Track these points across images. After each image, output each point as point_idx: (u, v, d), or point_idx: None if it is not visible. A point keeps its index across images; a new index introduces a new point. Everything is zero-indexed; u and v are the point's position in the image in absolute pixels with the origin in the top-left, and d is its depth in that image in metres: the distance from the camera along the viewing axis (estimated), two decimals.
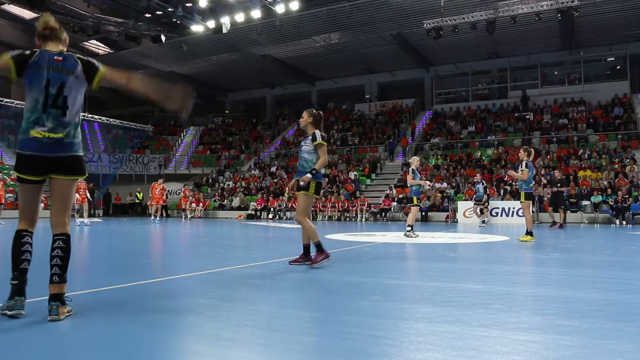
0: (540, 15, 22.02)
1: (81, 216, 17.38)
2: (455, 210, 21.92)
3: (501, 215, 21.03)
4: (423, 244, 10.04)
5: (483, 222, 18.91)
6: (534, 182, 10.57)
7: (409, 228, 11.25)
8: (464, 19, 22.55)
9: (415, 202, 11.72)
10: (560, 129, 27.15)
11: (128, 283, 4.85)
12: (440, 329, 3.06)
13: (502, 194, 22.51)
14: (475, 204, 19.76)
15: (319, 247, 6.01)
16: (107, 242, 10.97)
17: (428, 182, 11.55)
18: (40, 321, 3.17)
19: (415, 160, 12.20)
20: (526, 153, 10.22)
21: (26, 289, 3.32)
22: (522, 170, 10.00)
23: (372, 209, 24.16)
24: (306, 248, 6.09)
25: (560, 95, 29.60)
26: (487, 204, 19.64)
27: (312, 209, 24.40)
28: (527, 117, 28.99)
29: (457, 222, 21.13)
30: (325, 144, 6.15)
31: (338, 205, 24.70)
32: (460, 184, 24.19)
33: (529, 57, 29.91)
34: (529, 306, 3.82)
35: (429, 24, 22.97)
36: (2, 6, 27.14)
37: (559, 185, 17.18)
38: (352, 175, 27.43)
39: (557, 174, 16.23)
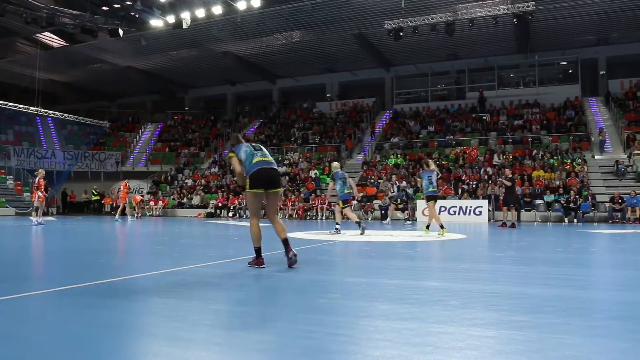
0: (497, 19, 22.57)
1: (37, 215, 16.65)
2: (414, 209, 22.25)
3: (459, 214, 21.45)
4: (382, 242, 10.15)
5: (406, 220, 19.48)
6: (432, 186, 11.97)
7: (337, 226, 12.16)
8: (424, 21, 22.86)
9: (341, 205, 12.32)
10: (515, 130, 27.90)
11: (84, 283, 4.72)
12: (399, 325, 3.10)
13: (459, 193, 22.97)
14: (392, 204, 20.38)
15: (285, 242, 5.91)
16: (63, 242, 10.66)
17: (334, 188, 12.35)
18: None
19: (334, 166, 12.63)
20: (425, 163, 12.44)
21: None
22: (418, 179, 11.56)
23: (332, 207, 24.25)
24: (257, 250, 5.87)
25: (515, 97, 30.41)
26: (406, 203, 19.94)
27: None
28: (484, 118, 29.67)
29: (415, 220, 21.44)
30: (232, 154, 5.97)
31: (298, 204, 24.71)
32: (419, 183, 24.56)
33: (487, 60, 30.65)
34: (484, 302, 3.91)
35: (390, 24, 23.19)
36: None
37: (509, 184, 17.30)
38: (312, 173, 27.48)
39: (508, 172, 16.71)
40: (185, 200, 29.01)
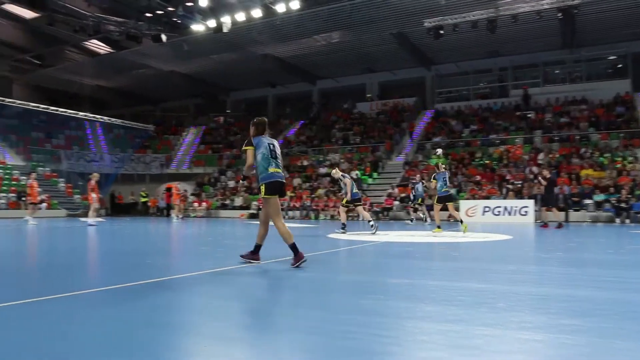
0: (541, 14, 21.97)
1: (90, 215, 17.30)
2: (457, 209, 21.89)
3: (503, 214, 21.02)
4: (425, 243, 10.04)
5: (411, 220, 19.75)
6: (446, 187, 12.90)
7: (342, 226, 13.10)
8: (465, 18, 22.51)
9: (344, 203, 13.52)
10: (562, 128, 27.11)
11: (131, 283, 4.87)
12: (444, 327, 3.07)
13: (504, 193, 22.49)
14: (412, 202, 20.46)
15: (257, 248, 6.26)
16: (113, 243, 10.97)
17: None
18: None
19: (335, 172, 13.63)
20: (437, 167, 13.44)
21: None
22: (431, 181, 13.36)
23: (374, 208, 24.16)
24: (292, 247, 6.00)
25: (561, 93, 29.54)
26: (422, 203, 20.13)
27: (315, 208, 24.57)
28: (528, 115, 28.94)
29: (460, 221, 21.09)
30: (249, 148, 6.11)
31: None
32: (462, 183, 24.17)
33: (530, 56, 29.87)
34: (532, 305, 3.83)
35: (430, 22, 22.95)
36: (3, 6, 27.10)
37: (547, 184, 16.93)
38: (353, 174, 27.42)
39: (545, 172, 16.34)
40: (228, 201, 29.44)
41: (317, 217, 24.97)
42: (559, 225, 15.10)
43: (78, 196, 29.08)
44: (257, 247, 6.20)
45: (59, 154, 33.07)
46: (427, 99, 34.27)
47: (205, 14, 23.25)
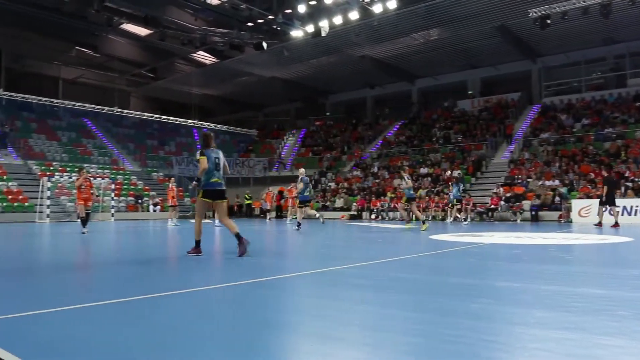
0: None
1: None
2: (568, 209, 20.63)
3: (622, 214, 19.43)
4: (535, 245, 9.53)
5: (465, 219, 20.48)
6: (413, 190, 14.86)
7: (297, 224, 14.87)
8: (574, 5, 21.12)
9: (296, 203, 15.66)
10: None
11: (238, 281, 5.06)
12: (558, 335, 2.88)
13: (623, 191, 20.80)
14: (452, 204, 20.56)
15: (197, 244, 7.32)
16: (220, 243, 11.47)
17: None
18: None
19: (301, 172, 15.52)
20: (403, 171, 15.26)
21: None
22: (407, 182, 14.74)
23: (477, 208, 23.36)
24: (197, 242, 7.26)
25: None
26: (460, 204, 20.42)
27: (417, 208, 24.11)
28: None
29: (571, 221, 19.88)
30: (202, 157, 7.10)
31: (442, 205, 24.14)
32: (575, 181, 22.68)
33: None
34: None
35: (535, 12, 21.79)
36: (121, 26, 29.44)
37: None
38: (455, 174, 26.69)
39: (605, 174, 15.42)
40: (328, 202, 29.81)
41: (418, 218, 24.54)
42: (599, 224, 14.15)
43: (188, 199, 30.80)
44: (237, 236, 7.18)
45: (170, 160, 35.27)
46: (534, 94, 32.55)
47: (304, 19, 23.74)
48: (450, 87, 35.52)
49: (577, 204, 20.42)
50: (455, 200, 20.15)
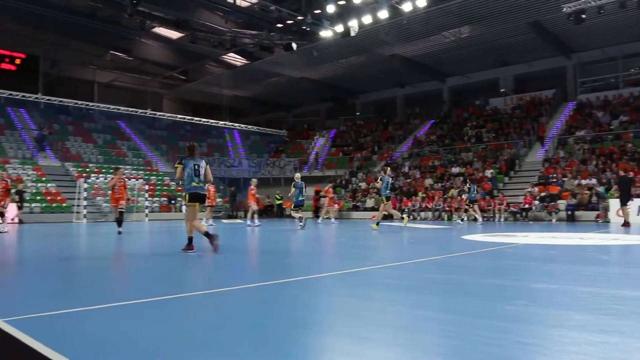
0: None
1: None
2: (606, 209, 20.11)
3: None
4: (571, 246, 9.33)
5: (467, 218, 20.65)
6: (388, 190, 15.67)
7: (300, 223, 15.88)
8: None
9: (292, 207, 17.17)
10: None
11: (271, 281, 5.09)
12: (597, 339, 2.81)
13: None
14: (468, 204, 20.53)
15: (191, 240, 8.05)
16: (252, 242, 11.57)
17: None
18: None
19: (296, 176, 17.29)
20: (383, 171, 16.11)
21: None
22: (379, 182, 15.84)
23: (511, 208, 22.97)
24: (189, 239, 8.03)
25: None
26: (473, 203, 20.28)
27: (448, 209, 23.98)
28: None
29: (609, 221, 19.37)
30: (178, 166, 8.13)
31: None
32: (612, 180, 22.08)
33: None
34: None
35: (569, 7, 21.29)
36: (153, 29, 29.99)
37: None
38: (488, 173, 26.29)
39: (621, 173, 15.19)
40: (359, 203, 29.73)
41: (450, 219, 24.30)
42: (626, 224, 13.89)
43: (219, 199, 31.13)
44: (190, 240, 8.02)
45: None
46: (569, 90, 31.80)
47: (333, 19, 23.75)
48: (482, 85, 35.01)
49: (615, 204, 19.85)
50: (469, 201, 20.25)
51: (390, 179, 15.97)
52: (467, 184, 20.84)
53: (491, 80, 34.42)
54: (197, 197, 8.05)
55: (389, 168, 17.36)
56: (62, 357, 2.50)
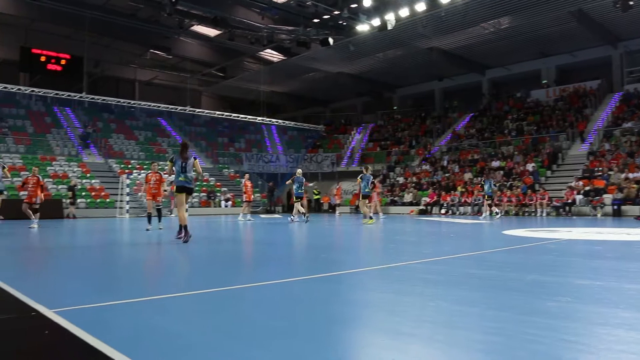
0: None
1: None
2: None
3: None
4: (617, 242, 9.04)
5: (491, 214, 20.35)
6: (368, 188, 16.25)
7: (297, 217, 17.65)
8: None
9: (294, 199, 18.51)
10: None
11: (308, 275, 5.12)
12: None
13: None
14: (485, 199, 20.77)
15: (182, 228, 9.04)
16: (290, 237, 11.64)
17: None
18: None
19: (298, 172, 18.64)
20: (364, 169, 16.70)
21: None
22: (358, 180, 16.41)
23: (553, 202, 22.40)
24: (184, 227, 9.02)
25: None
26: (492, 199, 20.55)
27: (489, 203, 23.66)
28: None
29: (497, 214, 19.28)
30: (169, 163, 9.61)
31: (514, 200, 23.34)
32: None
33: None
34: None
35: None
36: (191, 28, 30.46)
37: None
38: (529, 167, 25.70)
39: None
40: (397, 197, 29.53)
41: (491, 213, 23.85)
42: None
43: (257, 194, 31.41)
44: (180, 227, 9.08)
45: (240, 157, 36.13)
46: (615, 81, 30.72)
47: (370, 13, 23.60)
48: (523, 77, 34.19)
49: None
50: (486, 195, 20.46)
51: (372, 176, 16.63)
52: (483, 180, 20.98)
53: (532, 72, 33.58)
54: (183, 189, 9.39)
55: (369, 167, 18.24)
56: (104, 345, 2.58)
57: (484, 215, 20.96)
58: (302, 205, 18.19)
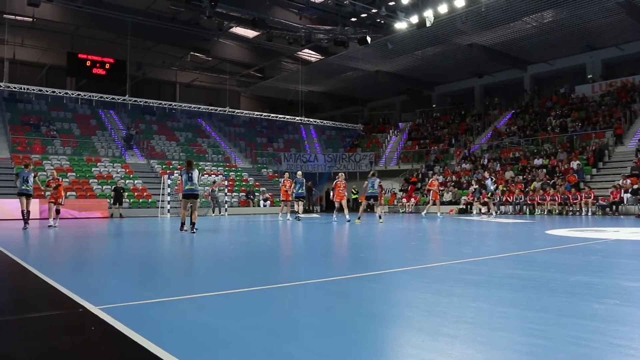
0: None
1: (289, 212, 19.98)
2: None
3: None
4: None
5: (489, 213, 20.64)
6: (372, 189, 16.52)
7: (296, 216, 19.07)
8: None
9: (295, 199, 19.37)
10: None
11: (348, 275, 5.10)
12: None
13: None
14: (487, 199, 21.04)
15: (182, 224, 11.85)
16: (330, 236, 11.65)
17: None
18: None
19: (299, 174, 19.40)
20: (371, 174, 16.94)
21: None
22: (366, 183, 16.82)
23: (599, 201, 21.70)
24: (183, 223, 11.86)
25: None
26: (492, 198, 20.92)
27: (530, 202, 23.10)
28: None
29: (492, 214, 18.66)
30: (179, 176, 12.52)
31: (558, 198, 22.72)
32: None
33: None
34: None
35: None
36: (230, 29, 30.85)
37: None
38: (574, 165, 24.97)
39: None
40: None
41: (532, 212, 23.33)
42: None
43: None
44: (182, 224, 11.84)
45: (279, 156, 36.39)
46: None
47: (408, 10, 23.38)
48: (567, 72, 33.24)
49: None
50: (490, 194, 20.93)
51: (378, 179, 16.88)
52: (484, 180, 20.90)
53: (577, 67, 32.62)
54: (188, 196, 11.72)
55: (376, 171, 18.53)
56: (148, 342, 2.62)
57: (493, 214, 20.90)
58: (314, 205, 19.56)
